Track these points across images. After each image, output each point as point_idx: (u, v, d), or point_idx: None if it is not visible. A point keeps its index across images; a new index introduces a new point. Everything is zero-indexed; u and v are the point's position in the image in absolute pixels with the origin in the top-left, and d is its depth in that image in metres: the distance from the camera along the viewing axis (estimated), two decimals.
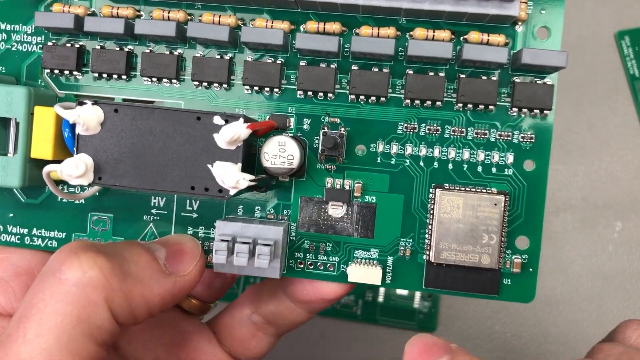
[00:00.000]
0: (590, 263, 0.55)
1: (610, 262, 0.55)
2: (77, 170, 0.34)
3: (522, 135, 0.38)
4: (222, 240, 0.36)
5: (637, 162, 0.55)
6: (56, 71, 0.39)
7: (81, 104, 0.35)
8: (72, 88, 0.40)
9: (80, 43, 0.39)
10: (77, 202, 0.40)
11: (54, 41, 0.39)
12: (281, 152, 0.37)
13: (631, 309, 0.56)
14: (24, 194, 0.40)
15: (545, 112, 0.37)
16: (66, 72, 0.39)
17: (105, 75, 0.39)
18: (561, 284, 0.55)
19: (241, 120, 0.34)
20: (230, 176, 0.34)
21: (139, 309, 0.33)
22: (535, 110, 0.37)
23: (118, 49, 0.39)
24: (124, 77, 0.39)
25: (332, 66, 0.38)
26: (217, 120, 0.34)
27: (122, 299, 0.32)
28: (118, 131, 0.35)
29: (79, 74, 0.40)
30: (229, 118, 0.34)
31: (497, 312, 0.58)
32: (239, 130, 0.33)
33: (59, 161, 0.35)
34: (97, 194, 0.40)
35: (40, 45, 0.40)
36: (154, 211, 0.40)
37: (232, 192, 0.34)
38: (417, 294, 0.64)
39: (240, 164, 0.34)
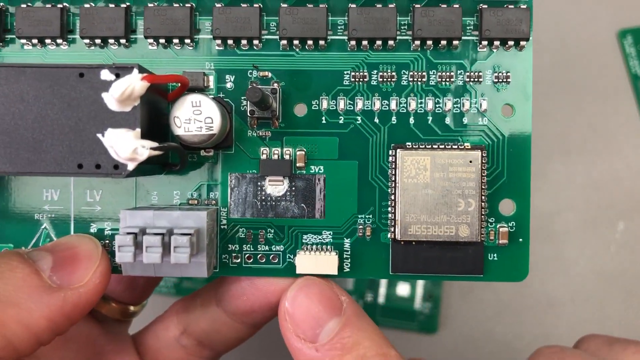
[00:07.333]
0: (592, 264, 0.53)
1: (613, 263, 0.53)
2: None
3: (496, 74, 0.31)
4: (128, 234, 0.28)
5: None
6: None
7: None
8: None
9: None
10: None
11: None
12: (196, 115, 0.29)
13: (634, 309, 0.54)
14: None
15: (522, 43, 0.30)
16: None
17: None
18: (563, 285, 0.53)
19: (135, 71, 0.26)
20: (124, 145, 0.26)
21: (18, 339, 0.25)
22: (509, 42, 0.30)
23: None
24: None
25: (256, 5, 0.30)
26: (105, 75, 0.26)
27: None
28: None
29: None
30: (120, 71, 0.26)
31: (498, 313, 0.55)
32: (131, 83, 0.26)
33: None
34: None
35: None
36: (47, 207, 0.31)
37: (131, 166, 0.26)
38: (418, 295, 0.57)
39: (139, 130, 0.26)
